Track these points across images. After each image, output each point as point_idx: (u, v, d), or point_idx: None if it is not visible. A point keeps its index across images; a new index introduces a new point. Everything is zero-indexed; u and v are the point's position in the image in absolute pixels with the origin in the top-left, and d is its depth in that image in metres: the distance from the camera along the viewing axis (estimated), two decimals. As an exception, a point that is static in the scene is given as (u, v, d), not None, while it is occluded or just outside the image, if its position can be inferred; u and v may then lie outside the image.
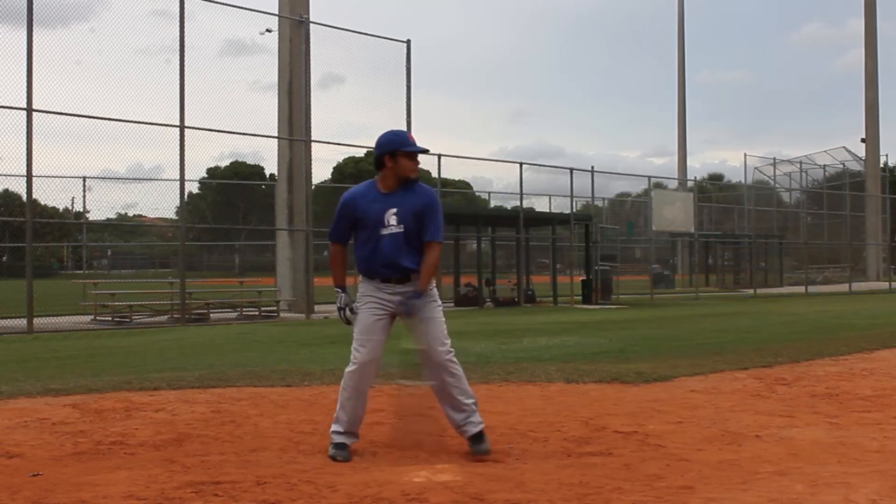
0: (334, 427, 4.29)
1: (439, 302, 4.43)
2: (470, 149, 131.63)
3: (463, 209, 30.12)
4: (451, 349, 4.30)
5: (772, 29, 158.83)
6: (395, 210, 4.28)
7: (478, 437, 4.24)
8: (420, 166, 4.39)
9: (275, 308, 18.03)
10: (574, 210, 25.17)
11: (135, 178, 26.28)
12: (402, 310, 4.28)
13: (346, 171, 51.87)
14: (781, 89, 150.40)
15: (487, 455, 4.18)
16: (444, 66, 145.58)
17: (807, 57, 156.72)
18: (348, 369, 4.31)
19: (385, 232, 4.27)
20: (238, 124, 24.77)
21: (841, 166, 42.80)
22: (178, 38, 15.32)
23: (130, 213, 37.82)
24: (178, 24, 15.36)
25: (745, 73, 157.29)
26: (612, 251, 29.14)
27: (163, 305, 16.87)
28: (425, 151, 4.37)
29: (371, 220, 4.29)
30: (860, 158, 45.00)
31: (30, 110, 13.41)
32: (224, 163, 54.48)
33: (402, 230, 4.27)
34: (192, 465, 3.97)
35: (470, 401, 4.29)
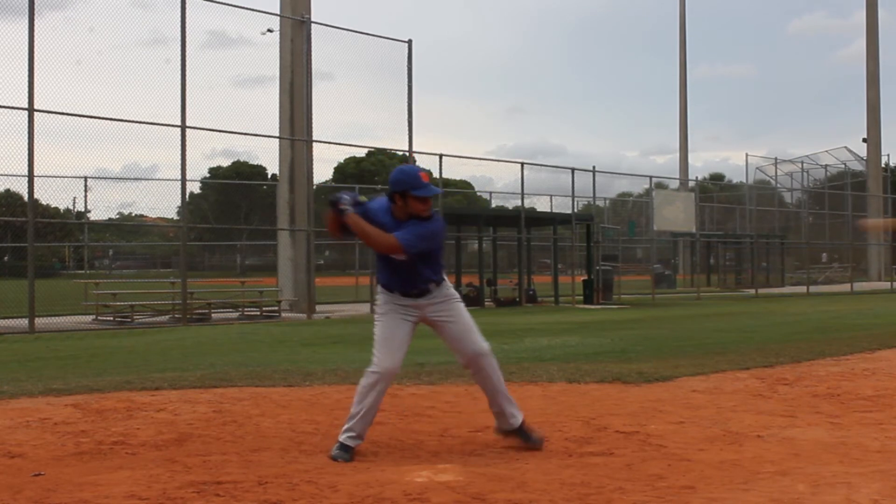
0: (349, 432, 4.23)
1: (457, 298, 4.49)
2: (470, 147, 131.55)
3: (464, 209, 30.14)
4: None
5: (774, 19, 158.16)
6: None
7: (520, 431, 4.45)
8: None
9: (276, 308, 18.05)
10: (576, 210, 25.17)
11: (138, 178, 26.21)
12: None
13: (348, 171, 51.90)
14: (784, 86, 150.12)
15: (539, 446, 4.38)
16: (446, 65, 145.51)
17: (809, 50, 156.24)
18: (371, 378, 4.26)
19: (395, 257, 4.28)
20: (229, 120, 24.71)
21: (843, 166, 42.78)
22: (180, 38, 15.28)
23: (129, 213, 37.84)
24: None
25: (747, 68, 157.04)
26: (614, 251, 29.14)
27: (164, 305, 16.88)
28: (435, 195, 4.34)
29: None
30: (862, 158, 44.99)
31: (31, 110, 13.40)
32: (218, 160, 54.44)
33: (406, 258, 4.26)
34: (194, 465, 3.97)
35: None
